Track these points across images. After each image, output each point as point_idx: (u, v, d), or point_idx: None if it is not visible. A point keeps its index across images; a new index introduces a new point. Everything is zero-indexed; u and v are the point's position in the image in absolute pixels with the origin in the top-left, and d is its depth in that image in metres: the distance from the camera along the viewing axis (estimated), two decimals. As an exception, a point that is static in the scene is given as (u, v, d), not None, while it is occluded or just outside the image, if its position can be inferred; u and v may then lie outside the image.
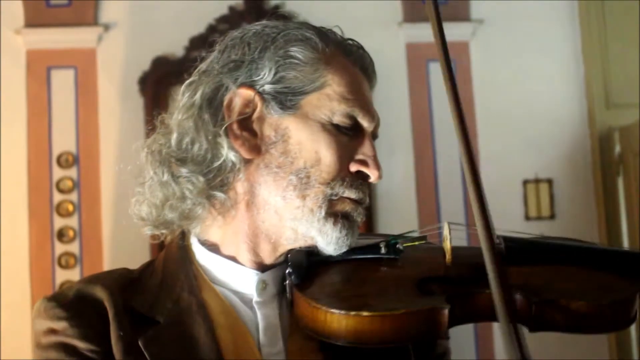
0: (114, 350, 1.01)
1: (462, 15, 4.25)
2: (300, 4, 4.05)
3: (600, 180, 4.22)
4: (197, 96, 1.07)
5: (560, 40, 4.33)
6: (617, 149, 4.20)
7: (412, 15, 4.21)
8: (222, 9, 4.09)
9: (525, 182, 4.20)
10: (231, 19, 4.04)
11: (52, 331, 1.03)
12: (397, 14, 4.22)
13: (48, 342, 1.03)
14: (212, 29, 4.02)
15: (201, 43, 3.91)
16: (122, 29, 4.09)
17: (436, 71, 4.23)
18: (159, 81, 3.95)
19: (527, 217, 4.18)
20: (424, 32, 4.17)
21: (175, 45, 3.98)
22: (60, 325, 1.02)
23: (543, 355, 3.78)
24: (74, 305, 1.04)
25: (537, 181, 4.20)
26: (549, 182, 4.20)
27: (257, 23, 1.12)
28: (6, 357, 3.69)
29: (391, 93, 4.09)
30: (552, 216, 4.17)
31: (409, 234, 1.16)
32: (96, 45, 4.07)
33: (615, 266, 1.07)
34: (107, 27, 4.08)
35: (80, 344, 1.01)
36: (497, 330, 3.96)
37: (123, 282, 1.08)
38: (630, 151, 4.09)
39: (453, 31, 4.24)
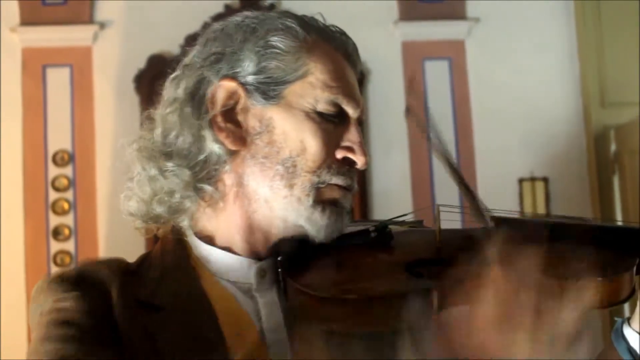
0: (120, 327, 1.00)
1: (458, 14, 4.26)
2: (295, 3, 4.04)
3: (595, 179, 4.22)
4: (180, 90, 1.08)
5: (556, 39, 4.33)
6: (613, 147, 4.20)
7: (407, 13, 4.21)
8: (218, 8, 4.08)
9: (521, 181, 4.20)
10: (227, 18, 4.02)
11: (56, 308, 1.01)
12: (392, 12, 4.22)
13: (49, 319, 1.00)
14: (208, 28, 4.00)
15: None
16: (117, 27, 4.09)
17: (432, 69, 4.23)
18: (154, 79, 3.87)
19: (523, 216, 4.19)
20: (420, 31, 4.25)
21: (171, 44, 3.95)
22: (65, 301, 1.01)
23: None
24: (79, 283, 1.03)
25: (532, 179, 4.20)
26: (545, 180, 4.20)
27: (238, 14, 1.14)
28: (3, 356, 3.67)
29: (387, 91, 4.08)
30: (547, 215, 4.18)
31: (401, 218, 1.17)
32: (92, 44, 4.07)
33: (608, 241, 1.05)
34: (102, 25, 4.07)
35: (84, 320, 0.99)
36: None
37: (124, 270, 1.08)
38: (626, 150, 4.09)
39: (449, 29, 4.25)
